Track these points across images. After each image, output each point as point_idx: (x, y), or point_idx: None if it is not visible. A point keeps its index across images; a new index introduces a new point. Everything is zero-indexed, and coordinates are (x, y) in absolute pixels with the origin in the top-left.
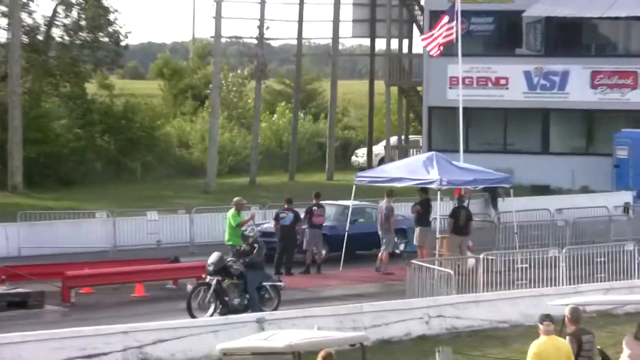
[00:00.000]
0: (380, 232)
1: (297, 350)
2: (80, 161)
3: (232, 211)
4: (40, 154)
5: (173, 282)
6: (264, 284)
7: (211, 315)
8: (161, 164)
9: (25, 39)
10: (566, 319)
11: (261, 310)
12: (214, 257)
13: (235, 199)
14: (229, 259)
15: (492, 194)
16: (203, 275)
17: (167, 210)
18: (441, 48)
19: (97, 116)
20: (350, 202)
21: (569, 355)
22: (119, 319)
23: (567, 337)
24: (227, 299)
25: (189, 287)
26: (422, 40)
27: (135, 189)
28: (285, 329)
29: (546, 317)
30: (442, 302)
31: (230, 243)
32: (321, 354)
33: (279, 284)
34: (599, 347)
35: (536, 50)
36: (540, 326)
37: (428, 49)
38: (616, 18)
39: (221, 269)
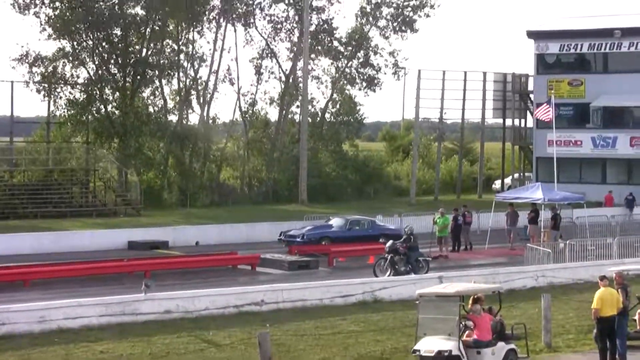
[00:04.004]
0: (507, 227)
1: (462, 295)
2: (339, 188)
3: (437, 215)
4: (316, 183)
5: None
6: (419, 258)
7: (387, 276)
8: (384, 189)
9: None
10: (615, 277)
11: (417, 274)
12: (389, 243)
13: (440, 209)
14: (397, 244)
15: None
16: (383, 253)
17: (385, 215)
18: (547, 119)
19: (349, 162)
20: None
21: (618, 299)
22: (360, 275)
23: (618, 289)
24: (397, 267)
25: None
26: (534, 114)
27: (368, 203)
28: (455, 282)
29: (603, 277)
30: (545, 268)
31: (438, 235)
32: (474, 296)
33: (427, 258)
34: (637, 295)
35: (597, 125)
36: (600, 282)
37: (538, 116)
38: None
39: (393, 250)
